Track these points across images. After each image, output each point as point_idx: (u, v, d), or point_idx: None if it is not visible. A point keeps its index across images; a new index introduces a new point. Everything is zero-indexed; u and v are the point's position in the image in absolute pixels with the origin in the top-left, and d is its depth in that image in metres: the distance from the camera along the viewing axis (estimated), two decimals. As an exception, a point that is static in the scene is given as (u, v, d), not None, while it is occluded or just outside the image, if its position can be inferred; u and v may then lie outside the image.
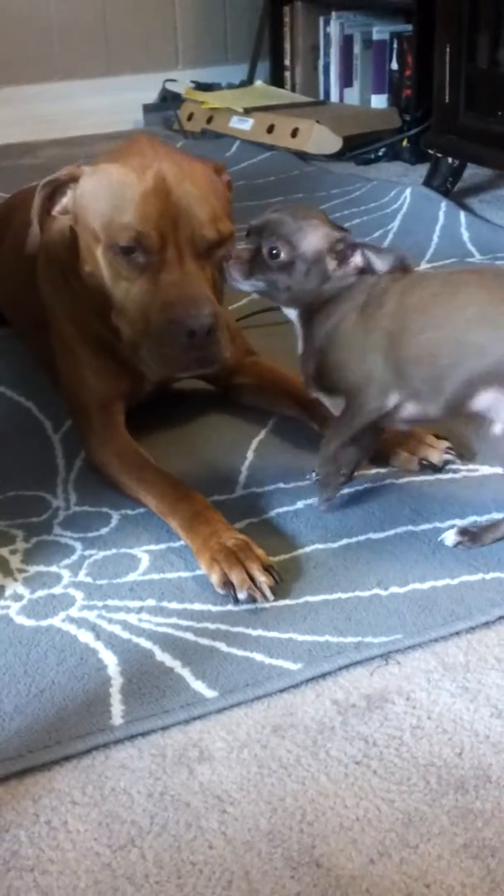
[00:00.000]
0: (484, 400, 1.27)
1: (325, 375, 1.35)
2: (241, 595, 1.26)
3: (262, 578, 1.27)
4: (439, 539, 1.37)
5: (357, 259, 1.32)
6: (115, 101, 3.88)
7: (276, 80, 3.98)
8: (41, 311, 1.67)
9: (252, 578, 1.27)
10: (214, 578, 1.29)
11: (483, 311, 1.26)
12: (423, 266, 2.37)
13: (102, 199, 1.44)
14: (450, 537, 1.36)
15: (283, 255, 1.32)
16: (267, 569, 1.28)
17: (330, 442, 1.37)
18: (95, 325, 1.54)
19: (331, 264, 1.32)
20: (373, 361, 1.30)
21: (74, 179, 1.48)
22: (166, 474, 1.45)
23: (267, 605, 1.26)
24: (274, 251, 1.32)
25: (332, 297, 1.33)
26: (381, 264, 1.32)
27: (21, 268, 1.75)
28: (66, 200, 1.49)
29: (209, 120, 3.68)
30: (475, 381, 1.26)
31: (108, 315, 1.48)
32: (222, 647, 1.20)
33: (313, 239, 1.32)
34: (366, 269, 1.32)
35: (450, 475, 1.52)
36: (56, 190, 1.49)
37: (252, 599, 1.26)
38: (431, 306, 1.28)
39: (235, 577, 1.27)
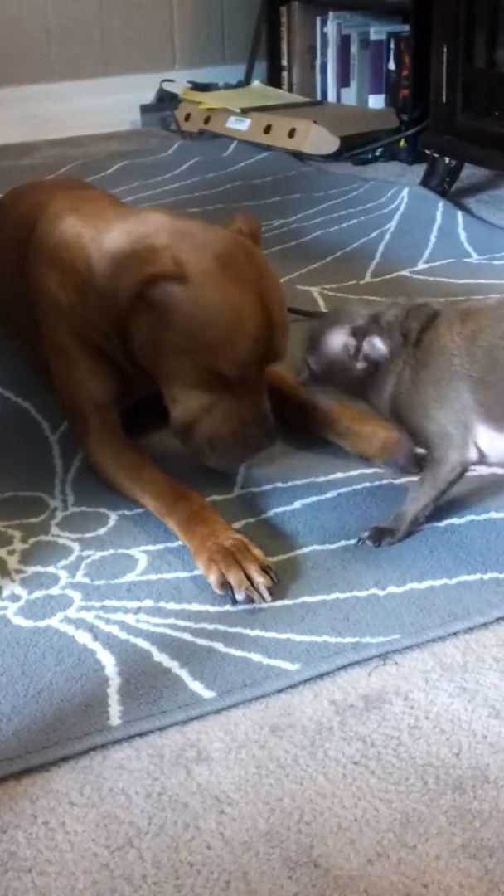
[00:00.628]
0: None
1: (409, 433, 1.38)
2: (239, 596, 1.26)
3: (260, 579, 1.27)
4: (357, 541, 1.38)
5: (366, 348, 1.32)
6: (113, 102, 3.88)
7: (274, 80, 3.98)
8: (32, 312, 1.66)
9: (250, 579, 1.27)
10: (212, 579, 1.29)
11: None
12: (420, 265, 2.37)
13: (212, 321, 1.38)
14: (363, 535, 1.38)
15: (315, 367, 1.35)
16: (265, 569, 1.28)
17: (416, 503, 1.36)
18: (93, 335, 1.53)
19: (350, 361, 1.33)
20: (447, 416, 1.30)
21: (179, 280, 1.38)
22: (164, 474, 1.45)
23: (265, 605, 1.26)
24: (309, 366, 1.36)
25: (375, 370, 1.34)
26: (383, 349, 1.32)
27: (13, 268, 1.74)
28: (158, 293, 1.39)
29: (206, 120, 3.68)
30: None
31: (112, 331, 1.48)
32: (220, 647, 1.20)
33: (329, 347, 1.33)
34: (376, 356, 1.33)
35: (447, 475, 1.52)
36: (154, 280, 1.39)
37: (250, 600, 1.26)
38: None
39: (233, 577, 1.27)
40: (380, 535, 1.36)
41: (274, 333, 1.42)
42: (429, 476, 1.35)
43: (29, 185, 2.11)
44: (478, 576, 1.30)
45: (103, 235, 1.50)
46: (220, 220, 1.56)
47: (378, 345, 1.32)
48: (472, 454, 1.32)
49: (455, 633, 1.21)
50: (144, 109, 3.96)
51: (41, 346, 1.65)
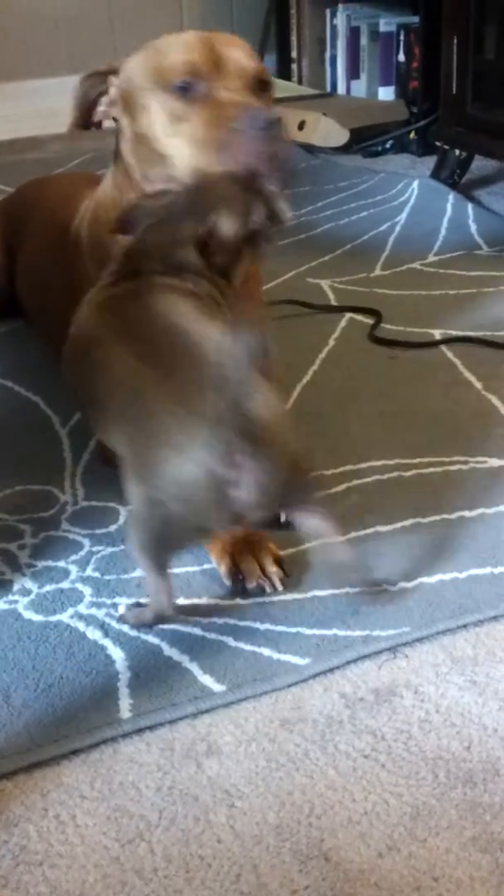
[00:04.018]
0: None
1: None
2: (251, 585, 1.26)
3: (273, 569, 1.27)
4: None
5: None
6: (122, 95, 3.88)
7: (283, 72, 3.97)
8: (71, 301, 1.66)
9: (263, 569, 1.27)
10: (223, 569, 1.29)
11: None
12: (431, 258, 2.37)
13: (148, 60, 1.42)
14: None
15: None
16: (278, 563, 1.29)
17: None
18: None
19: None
20: None
21: (114, 71, 1.46)
22: None
23: (275, 598, 1.26)
24: None
25: None
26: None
27: (52, 258, 1.75)
28: (112, 92, 1.47)
29: (216, 113, 3.67)
30: None
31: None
32: (230, 641, 1.20)
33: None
34: None
35: (458, 467, 1.51)
36: (95, 84, 1.48)
37: (261, 590, 1.26)
38: None
39: (246, 566, 1.27)
40: None
41: (217, 49, 1.38)
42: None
43: (47, 178, 2.12)
44: (488, 569, 1.30)
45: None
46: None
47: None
48: None
49: (465, 626, 1.21)
50: (154, 103, 3.96)
51: None
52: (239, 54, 1.39)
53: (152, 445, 1.06)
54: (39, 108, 3.77)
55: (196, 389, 1.03)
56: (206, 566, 1.32)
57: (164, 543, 1.14)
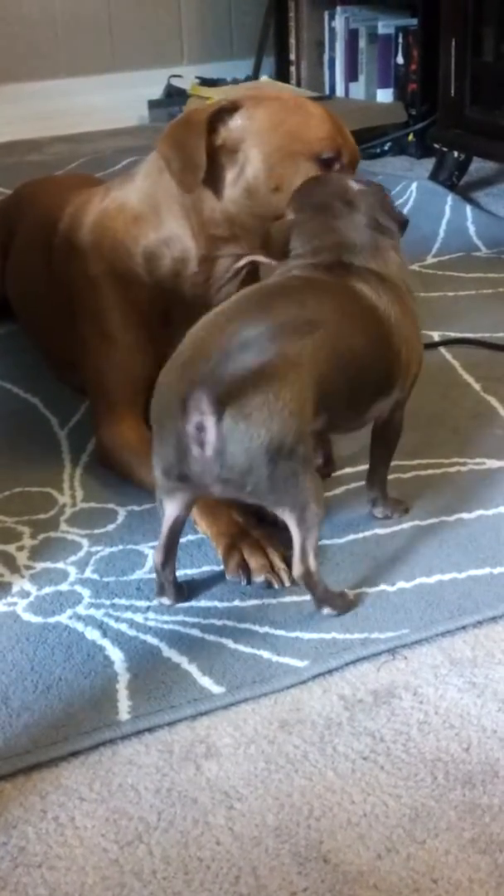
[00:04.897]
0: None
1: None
2: (259, 579, 1.26)
3: (282, 565, 1.28)
4: None
5: None
6: (120, 98, 3.88)
7: (282, 75, 3.97)
8: (65, 298, 1.66)
9: (271, 565, 1.28)
10: (232, 563, 1.29)
11: None
12: (430, 260, 2.37)
13: (285, 122, 1.46)
14: None
15: None
16: (284, 560, 1.29)
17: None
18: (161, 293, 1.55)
19: None
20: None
21: (237, 108, 1.47)
22: None
23: (273, 600, 1.26)
24: None
25: None
26: None
27: (39, 259, 1.75)
28: (232, 126, 1.47)
29: (214, 115, 3.67)
30: None
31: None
32: (229, 643, 1.20)
33: None
34: None
35: (456, 468, 1.52)
36: (218, 118, 1.47)
37: (268, 584, 1.26)
38: None
39: (255, 561, 1.28)
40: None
41: (337, 122, 1.50)
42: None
43: (39, 180, 2.12)
44: (487, 570, 1.30)
45: (134, 186, 1.58)
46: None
47: None
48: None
49: (464, 628, 1.21)
50: (152, 105, 3.96)
51: (68, 335, 1.65)
52: (352, 140, 1.52)
53: None
54: (38, 110, 3.77)
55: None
56: (204, 568, 1.32)
57: (162, 471, 1.19)
